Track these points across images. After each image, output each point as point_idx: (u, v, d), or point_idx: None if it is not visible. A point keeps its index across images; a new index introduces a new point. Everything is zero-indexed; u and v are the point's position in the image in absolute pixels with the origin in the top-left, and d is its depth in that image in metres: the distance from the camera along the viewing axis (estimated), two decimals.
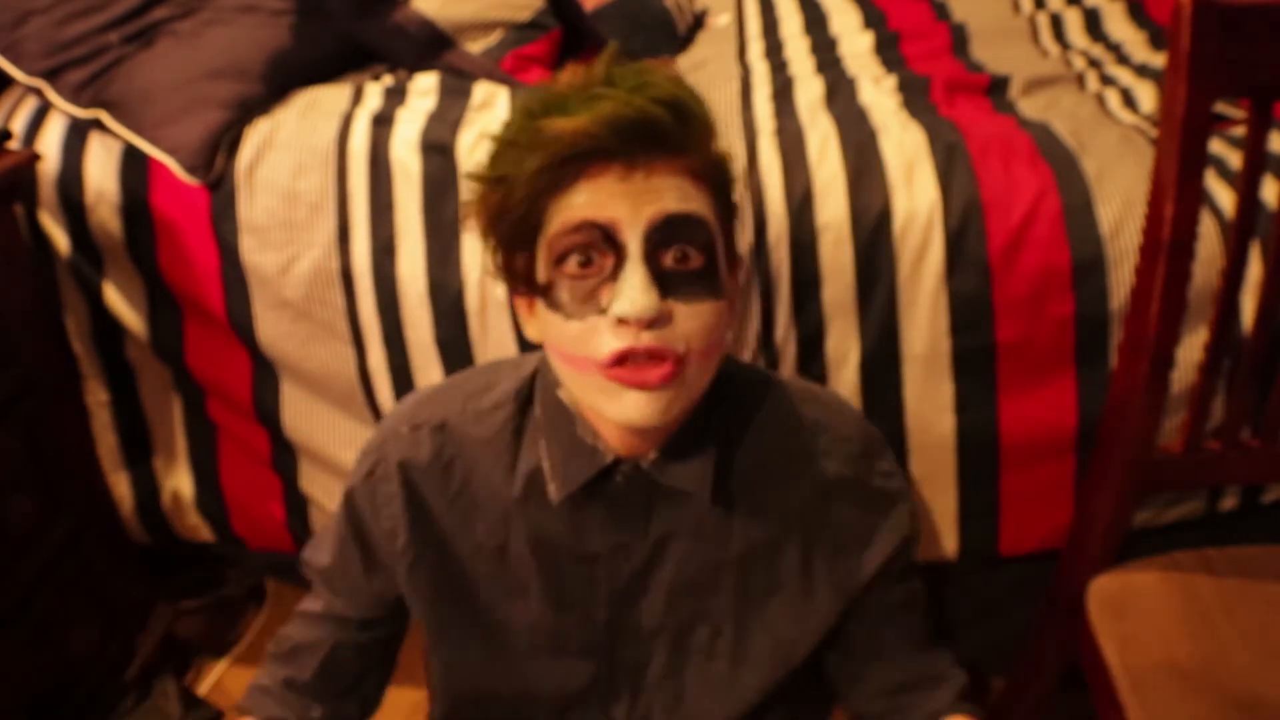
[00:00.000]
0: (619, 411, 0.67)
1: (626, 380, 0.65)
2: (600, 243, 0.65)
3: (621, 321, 0.64)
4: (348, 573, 0.85)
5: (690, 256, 0.66)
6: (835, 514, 0.80)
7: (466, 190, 0.71)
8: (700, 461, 0.75)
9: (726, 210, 0.71)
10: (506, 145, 0.68)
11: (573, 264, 0.66)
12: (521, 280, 0.71)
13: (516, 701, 0.85)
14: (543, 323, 0.70)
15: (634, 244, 0.64)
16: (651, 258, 0.65)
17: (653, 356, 0.65)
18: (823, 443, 0.80)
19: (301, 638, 0.87)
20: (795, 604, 0.81)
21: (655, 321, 0.65)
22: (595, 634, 0.81)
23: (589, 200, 0.65)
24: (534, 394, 0.79)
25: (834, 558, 0.81)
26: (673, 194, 0.66)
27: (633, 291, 0.64)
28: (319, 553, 0.88)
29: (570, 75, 0.69)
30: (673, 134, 0.66)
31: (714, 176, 0.70)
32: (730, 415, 0.78)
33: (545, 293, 0.68)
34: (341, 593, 0.87)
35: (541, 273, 0.68)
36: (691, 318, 0.66)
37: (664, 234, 0.65)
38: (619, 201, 0.65)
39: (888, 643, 0.83)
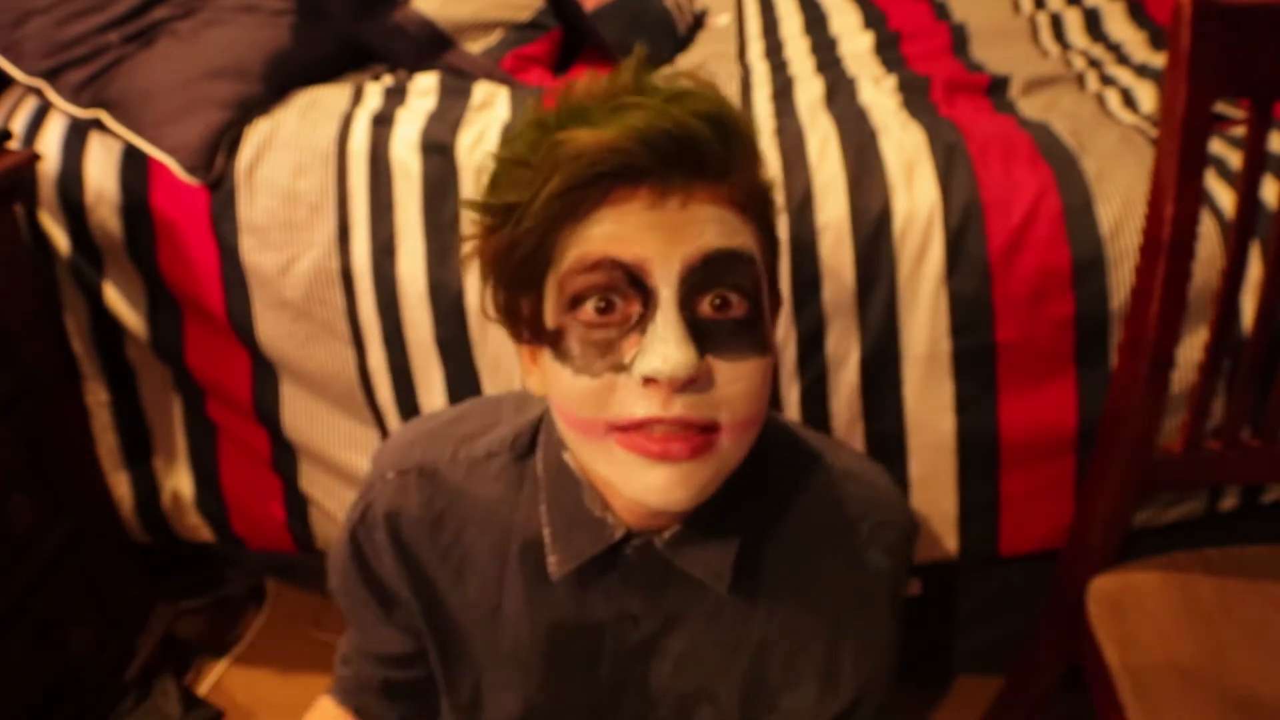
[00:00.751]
0: (639, 490, 0.55)
1: (648, 452, 0.54)
2: (624, 285, 0.54)
3: (649, 381, 0.53)
4: (365, 614, 0.78)
5: (732, 303, 0.55)
6: (868, 609, 0.71)
7: (467, 222, 0.60)
8: (722, 548, 0.65)
9: (771, 246, 0.61)
10: (514, 165, 0.57)
11: (589, 309, 0.55)
12: (526, 325, 0.59)
13: None
14: (548, 376, 0.58)
15: (667, 289, 0.53)
16: (686, 304, 0.54)
17: (685, 427, 0.54)
18: (865, 528, 0.70)
19: (356, 668, 0.81)
20: (813, 701, 0.72)
21: (691, 384, 0.54)
22: (599, 695, 0.73)
23: (611, 232, 0.54)
24: (536, 445, 0.69)
25: (861, 654, 0.71)
26: (714, 227, 0.54)
27: (666, 346, 0.52)
28: (339, 586, 0.79)
29: (590, 82, 0.57)
30: (716, 155, 0.55)
31: (758, 208, 0.59)
32: (763, 493, 0.68)
33: (554, 341, 0.57)
34: (367, 629, 0.79)
35: (550, 316, 0.57)
36: (734, 380, 0.55)
37: (703, 276, 0.54)
38: (649, 235, 0.53)
39: None
